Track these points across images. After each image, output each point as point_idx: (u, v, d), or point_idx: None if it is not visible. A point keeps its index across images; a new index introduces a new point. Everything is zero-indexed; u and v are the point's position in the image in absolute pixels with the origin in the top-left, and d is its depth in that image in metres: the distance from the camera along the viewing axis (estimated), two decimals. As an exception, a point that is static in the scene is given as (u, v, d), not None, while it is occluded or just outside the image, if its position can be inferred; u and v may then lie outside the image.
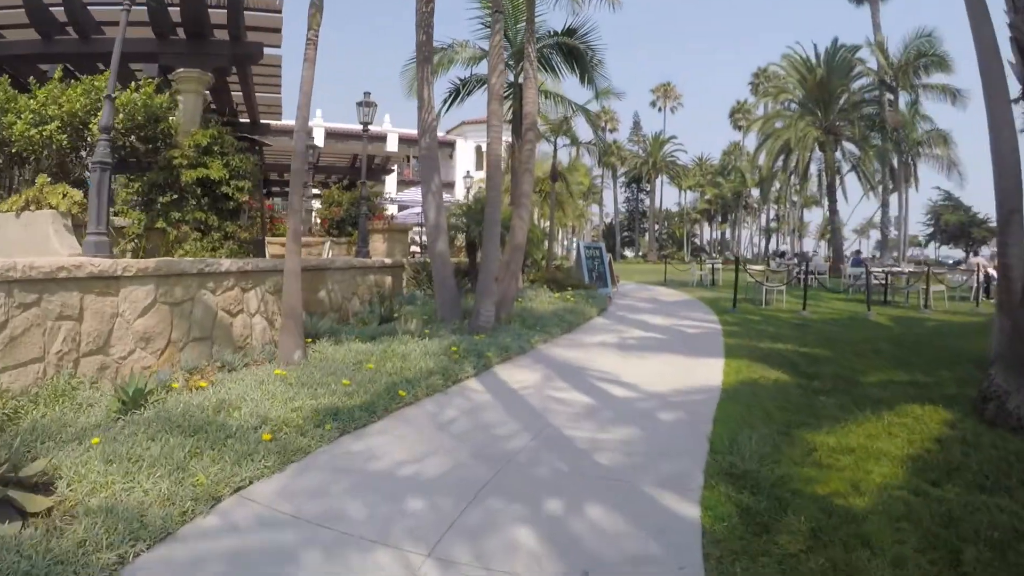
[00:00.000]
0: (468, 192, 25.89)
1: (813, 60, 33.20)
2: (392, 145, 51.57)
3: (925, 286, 15.36)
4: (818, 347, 9.14)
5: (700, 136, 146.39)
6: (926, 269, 15.79)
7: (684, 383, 6.54)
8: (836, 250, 32.62)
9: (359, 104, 14.10)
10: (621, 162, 72.10)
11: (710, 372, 7.13)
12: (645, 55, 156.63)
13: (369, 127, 14.15)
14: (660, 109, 75.15)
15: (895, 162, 31.68)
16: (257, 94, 15.87)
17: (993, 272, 20.15)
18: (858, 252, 23.55)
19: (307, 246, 16.16)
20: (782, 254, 31.27)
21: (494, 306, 8.63)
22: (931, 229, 58.35)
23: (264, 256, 14.32)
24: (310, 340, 7.76)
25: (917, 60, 30.20)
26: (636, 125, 78.49)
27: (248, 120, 17.26)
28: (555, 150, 21.27)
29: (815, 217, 73.09)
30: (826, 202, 51.37)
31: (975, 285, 18.17)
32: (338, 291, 11.23)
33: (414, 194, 26.21)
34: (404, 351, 7.03)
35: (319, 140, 46.92)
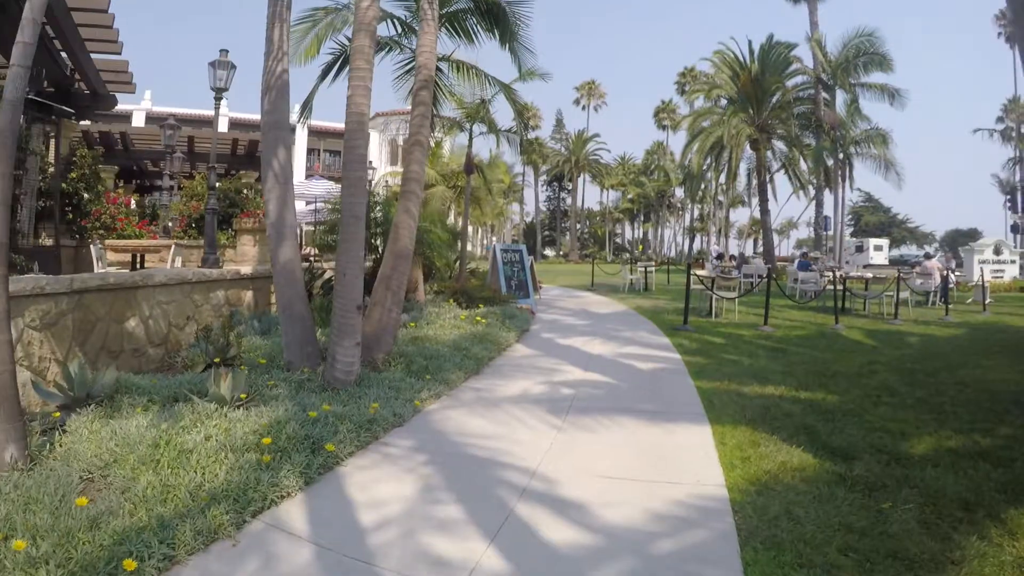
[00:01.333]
0: (372, 185, 22.70)
1: (747, 56, 31.77)
2: (300, 140, 47.80)
3: (894, 294, 13.41)
4: (819, 388, 6.71)
5: (624, 137, 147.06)
6: (896, 273, 13.85)
7: (666, 493, 3.80)
8: (768, 251, 31.15)
9: (212, 64, 10.87)
10: (543, 160, 70.41)
11: (699, 459, 4.43)
12: (570, 53, 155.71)
13: (223, 94, 10.94)
14: (584, 107, 74.07)
15: (829, 162, 30.48)
16: (92, 54, 12.28)
17: (952, 276, 18.75)
18: (804, 253, 21.73)
19: (147, 252, 12.70)
20: (719, 256, 29.29)
21: (358, 347, 5.62)
22: (852, 228, 59.25)
23: (72, 271, 10.88)
24: (56, 413, 4.67)
25: (857, 58, 29.10)
26: (559, 123, 77.21)
27: (88, 91, 13.53)
28: (471, 138, 18.38)
29: (740, 217, 73.56)
30: (754, 202, 50.66)
31: (933, 290, 16.64)
32: (162, 317, 8.05)
33: (323, 187, 22.65)
34: (190, 442, 4.03)
35: (222, 129, 43.00)
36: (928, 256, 17.95)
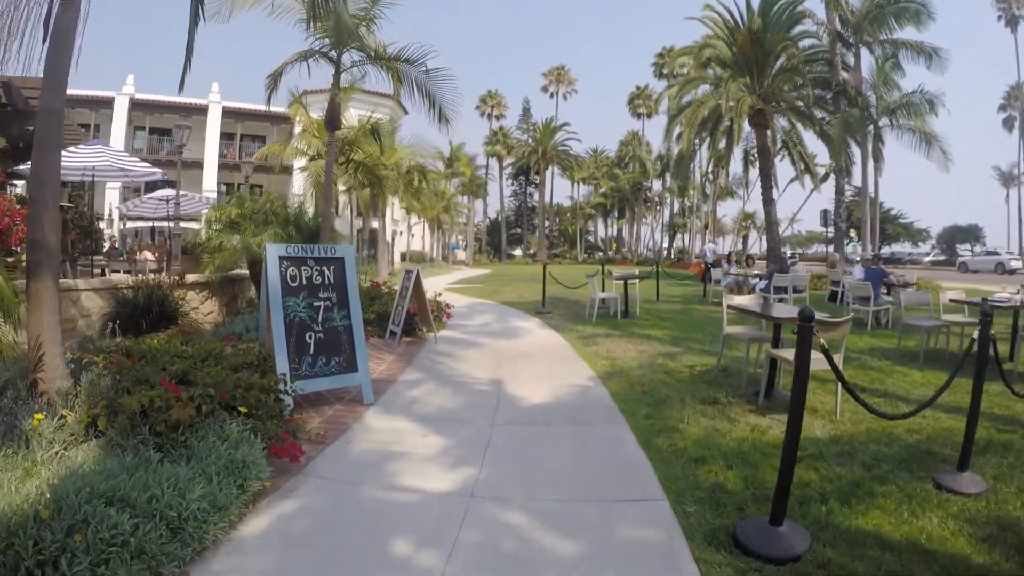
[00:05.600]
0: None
1: (744, 10, 24.94)
2: (212, 121, 40.27)
3: None
4: None
5: (596, 130, 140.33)
6: None
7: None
8: (772, 251, 24.09)
9: None
10: (508, 151, 63.52)
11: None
12: (537, 38, 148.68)
13: None
14: (552, 95, 67.52)
15: (852, 137, 23.71)
16: None
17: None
18: (876, 256, 14.71)
19: None
20: (728, 257, 22.00)
21: None
22: (844, 225, 53.21)
23: None
24: None
25: (887, 6, 22.42)
26: (526, 112, 70.67)
27: None
28: (337, 70, 11.16)
29: (725, 211, 67.31)
30: (745, 192, 43.70)
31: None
32: None
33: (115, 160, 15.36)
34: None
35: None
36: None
